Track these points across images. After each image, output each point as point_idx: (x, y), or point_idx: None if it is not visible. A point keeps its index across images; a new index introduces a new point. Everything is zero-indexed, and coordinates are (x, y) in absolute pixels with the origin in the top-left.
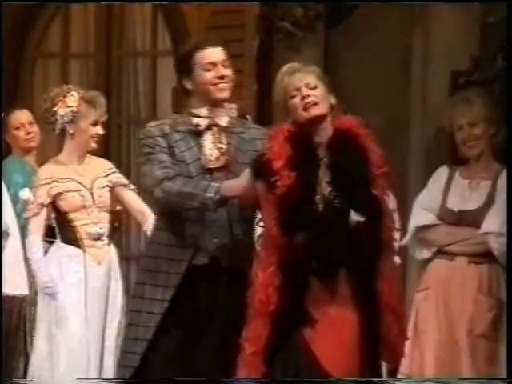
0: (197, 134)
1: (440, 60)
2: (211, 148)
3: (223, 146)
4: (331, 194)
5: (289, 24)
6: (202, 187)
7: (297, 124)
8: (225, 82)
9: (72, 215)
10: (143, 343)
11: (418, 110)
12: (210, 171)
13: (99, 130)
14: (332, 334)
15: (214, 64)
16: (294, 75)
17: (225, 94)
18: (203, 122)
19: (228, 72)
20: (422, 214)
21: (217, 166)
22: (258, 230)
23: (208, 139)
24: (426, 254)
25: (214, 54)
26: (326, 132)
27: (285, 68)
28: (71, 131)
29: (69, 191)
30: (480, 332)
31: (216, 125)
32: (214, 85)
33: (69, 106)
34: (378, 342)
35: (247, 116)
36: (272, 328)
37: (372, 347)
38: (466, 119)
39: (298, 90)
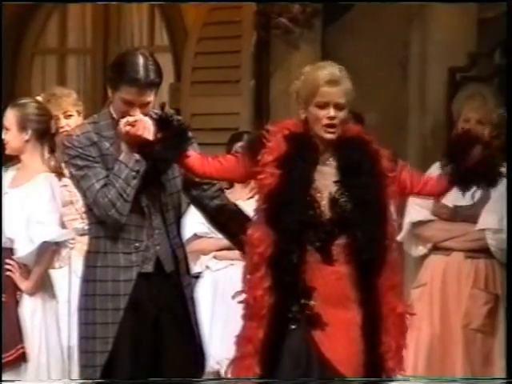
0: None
1: (438, 56)
2: None
3: None
4: (337, 192)
5: (286, 20)
6: (123, 174)
7: (304, 123)
8: (135, 121)
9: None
10: (103, 355)
11: (415, 106)
12: None
13: (61, 123)
14: (339, 334)
15: (135, 104)
16: (332, 88)
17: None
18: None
19: (140, 115)
20: (416, 210)
21: None
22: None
23: None
24: (421, 250)
25: (142, 97)
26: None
27: (327, 73)
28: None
29: None
30: (475, 326)
31: None
32: (128, 116)
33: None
34: (380, 344)
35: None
36: (266, 330)
37: (374, 348)
38: (477, 116)
39: (328, 104)
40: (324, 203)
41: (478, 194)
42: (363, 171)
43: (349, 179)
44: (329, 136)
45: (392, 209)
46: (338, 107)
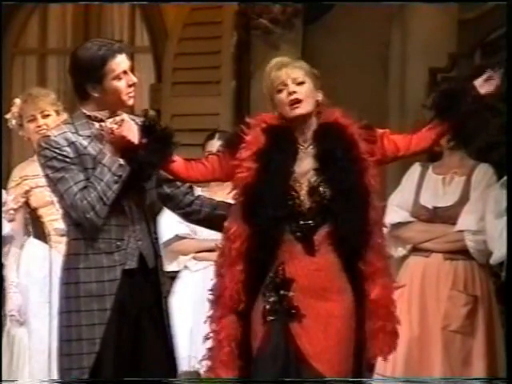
0: (103, 137)
1: (418, 56)
2: None
3: None
4: (316, 180)
5: (266, 21)
6: (105, 177)
7: (282, 117)
8: (133, 90)
9: (41, 211)
10: (90, 357)
11: (396, 107)
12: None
13: (39, 122)
14: (317, 327)
15: (125, 72)
16: (281, 70)
17: (132, 101)
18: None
19: (135, 78)
20: (395, 211)
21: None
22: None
23: None
24: (401, 251)
25: (124, 61)
26: (310, 125)
27: (273, 62)
28: (20, 133)
29: (36, 187)
30: (454, 328)
31: None
32: (126, 94)
33: (13, 113)
34: (365, 336)
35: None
36: (245, 322)
37: (356, 338)
38: None
39: (285, 85)
40: (303, 192)
41: (458, 195)
42: (340, 157)
43: (326, 166)
44: (296, 111)
45: (374, 192)
46: (295, 82)
